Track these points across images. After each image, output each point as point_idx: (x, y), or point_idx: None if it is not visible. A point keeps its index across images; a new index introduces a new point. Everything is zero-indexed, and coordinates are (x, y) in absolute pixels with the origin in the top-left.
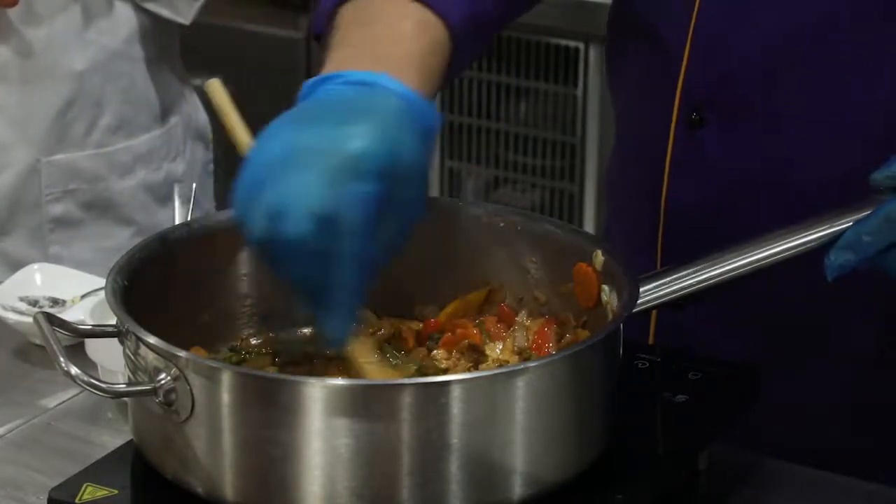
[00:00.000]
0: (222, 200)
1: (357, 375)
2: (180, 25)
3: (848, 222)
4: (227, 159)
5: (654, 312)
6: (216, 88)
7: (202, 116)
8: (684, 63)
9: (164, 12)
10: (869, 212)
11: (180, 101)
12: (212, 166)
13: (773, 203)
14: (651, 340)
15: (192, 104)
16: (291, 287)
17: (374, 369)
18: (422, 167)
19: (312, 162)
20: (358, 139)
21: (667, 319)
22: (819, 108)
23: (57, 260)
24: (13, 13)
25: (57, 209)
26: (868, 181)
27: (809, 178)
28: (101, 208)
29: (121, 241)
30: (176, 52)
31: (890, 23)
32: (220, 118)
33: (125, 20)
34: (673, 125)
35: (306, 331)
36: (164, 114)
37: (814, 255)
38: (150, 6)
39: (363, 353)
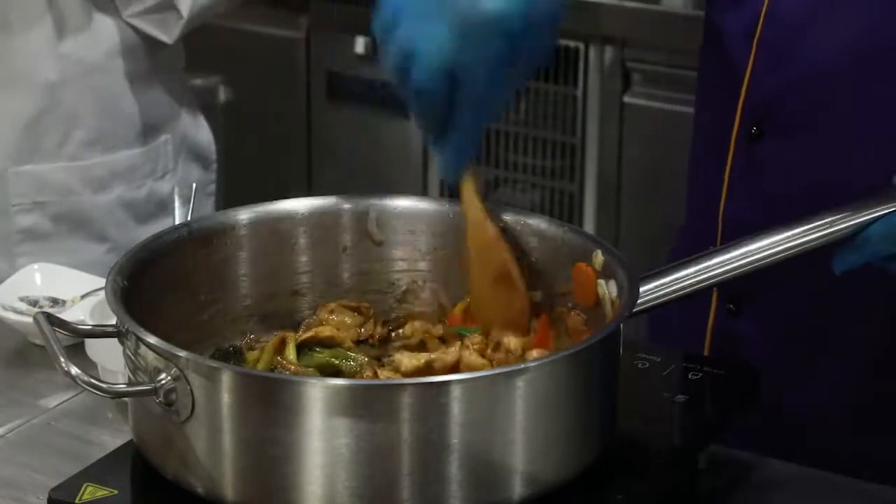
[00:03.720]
0: None
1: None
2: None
3: (848, 222)
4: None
5: (710, 321)
6: None
7: (204, 136)
8: (747, 75)
9: (148, 29)
10: (871, 213)
11: (173, 118)
12: (213, 187)
13: None
14: (706, 351)
15: (190, 122)
16: (418, 119)
17: (477, 210)
18: (554, 18)
19: (451, 12)
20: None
21: (722, 327)
22: (877, 126)
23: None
24: None
25: (26, 220)
26: None
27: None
28: (73, 222)
29: (93, 256)
30: (173, 69)
31: None
32: None
33: (106, 34)
34: (733, 138)
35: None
36: (151, 130)
37: (814, 255)
38: (134, 21)
39: (470, 191)
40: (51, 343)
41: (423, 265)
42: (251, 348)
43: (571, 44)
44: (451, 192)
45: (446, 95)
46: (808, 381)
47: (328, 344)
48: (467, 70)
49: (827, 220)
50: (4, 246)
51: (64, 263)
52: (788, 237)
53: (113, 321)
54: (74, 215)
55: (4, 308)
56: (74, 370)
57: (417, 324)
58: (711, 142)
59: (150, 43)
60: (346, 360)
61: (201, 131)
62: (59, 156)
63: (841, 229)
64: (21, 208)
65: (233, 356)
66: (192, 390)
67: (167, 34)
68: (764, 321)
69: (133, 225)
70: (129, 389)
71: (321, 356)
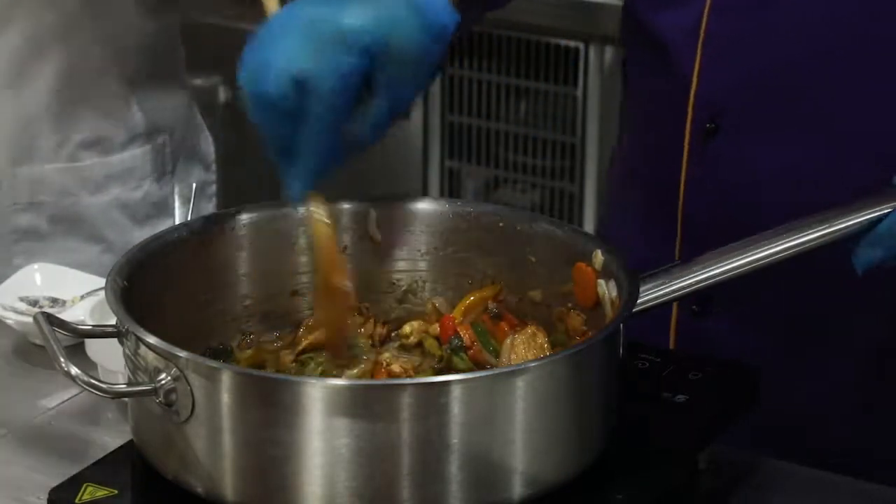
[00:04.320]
0: None
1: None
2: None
3: (848, 222)
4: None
5: (673, 318)
6: None
7: (203, 138)
8: (696, 71)
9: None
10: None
11: (172, 120)
12: (213, 188)
13: (791, 211)
14: (672, 346)
15: (189, 124)
16: (265, 139)
17: (325, 230)
18: (419, 58)
19: (306, 29)
20: (353, 16)
21: (687, 324)
22: (835, 114)
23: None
24: None
25: (22, 220)
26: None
27: (825, 186)
28: (70, 223)
29: (89, 257)
30: (172, 69)
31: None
32: None
33: (106, 35)
34: (687, 135)
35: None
36: (150, 131)
37: (813, 255)
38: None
39: (316, 213)
40: (51, 343)
41: (423, 265)
42: (248, 348)
43: (571, 44)
44: (451, 193)
45: (293, 109)
46: (787, 380)
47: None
48: (315, 79)
49: (827, 220)
50: (2, 245)
51: (60, 264)
52: (788, 237)
53: (113, 321)
54: (71, 216)
55: (4, 308)
56: (74, 370)
57: (416, 324)
58: (660, 141)
59: (150, 44)
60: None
61: (200, 133)
62: (57, 157)
63: (840, 229)
64: (18, 208)
65: (222, 355)
66: (192, 390)
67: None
68: (734, 320)
69: (130, 226)
70: (129, 389)
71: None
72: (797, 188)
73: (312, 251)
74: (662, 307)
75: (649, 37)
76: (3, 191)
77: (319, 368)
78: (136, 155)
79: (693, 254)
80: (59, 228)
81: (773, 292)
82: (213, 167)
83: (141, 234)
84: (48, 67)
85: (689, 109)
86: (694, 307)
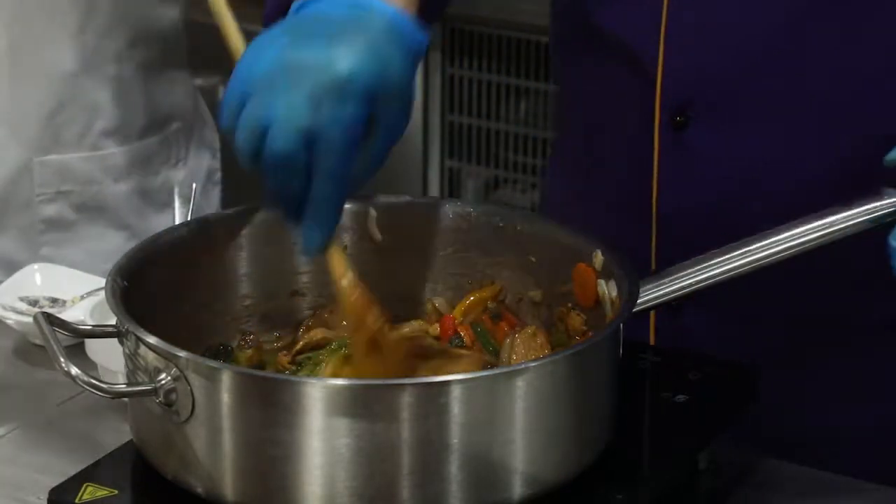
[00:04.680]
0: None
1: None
2: (184, 28)
3: (849, 222)
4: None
5: (652, 314)
6: None
7: (209, 124)
8: (660, 65)
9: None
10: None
11: (182, 107)
12: (219, 175)
13: (767, 201)
14: (652, 342)
15: (197, 111)
16: (273, 197)
17: (346, 283)
18: (408, 88)
19: (300, 80)
20: (346, 60)
21: (666, 321)
22: (799, 102)
23: (48, 261)
24: (4, 11)
25: (49, 210)
26: (859, 174)
27: (801, 174)
28: (94, 211)
29: (114, 244)
30: (180, 57)
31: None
32: (218, 23)
33: (123, 24)
34: (656, 130)
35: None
36: (165, 119)
37: (812, 254)
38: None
39: (337, 266)
40: (51, 343)
41: (422, 265)
42: (248, 348)
43: None
44: (451, 192)
45: (304, 164)
46: (807, 380)
47: (323, 346)
48: (323, 134)
49: (827, 220)
50: (28, 236)
51: (85, 252)
52: (788, 237)
53: (113, 321)
54: (95, 204)
55: (4, 308)
56: (74, 370)
57: (416, 324)
58: (625, 140)
59: (162, 31)
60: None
61: (207, 120)
62: (81, 145)
63: (840, 229)
64: (45, 198)
65: (223, 355)
66: (192, 390)
67: None
68: (709, 316)
69: (150, 212)
70: (129, 389)
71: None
72: (773, 175)
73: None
74: (662, 307)
75: (605, 37)
76: (29, 182)
77: (317, 368)
78: (154, 142)
79: (668, 249)
80: (84, 217)
81: (772, 292)
82: (219, 154)
83: (160, 220)
84: (69, 56)
85: (657, 105)
86: (672, 303)
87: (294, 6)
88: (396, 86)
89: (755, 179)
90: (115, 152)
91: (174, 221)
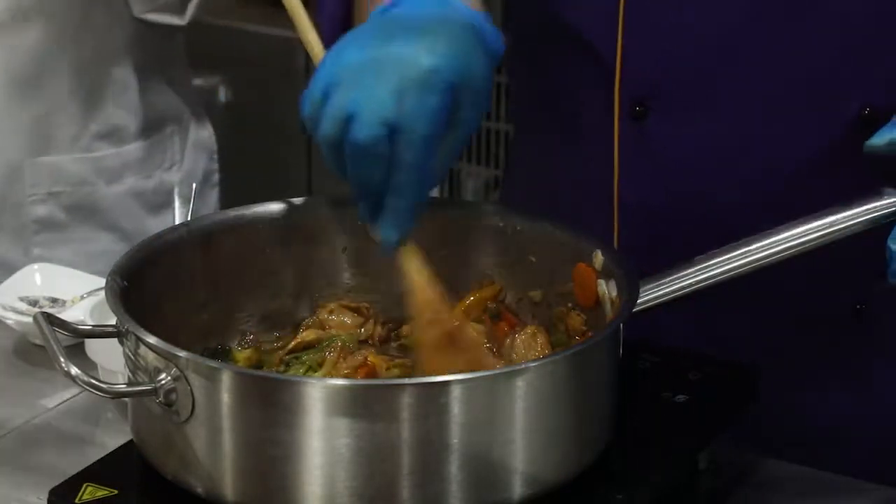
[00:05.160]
0: None
1: (408, 286)
2: (180, 30)
3: (849, 222)
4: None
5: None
6: None
7: (206, 127)
8: (618, 55)
9: (163, 19)
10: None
11: (179, 110)
12: (217, 177)
13: (727, 191)
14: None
15: (194, 113)
16: (353, 188)
17: (422, 280)
18: (488, 86)
19: (386, 73)
20: (431, 54)
21: (666, 321)
22: (757, 91)
23: (40, 262)
24: (1, 13)
25: (41, 211)
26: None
27: (759, 163)
28: (87, 212)
29: (105, 246)
30: (178, 59)
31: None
32: (292, 21)
33: (118, 26)
34: (616, 120)
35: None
36: (160, 122)
37: (810, 254)
38: (149, 17)
39: (413, 261)
40: (51, 343)
41: None
42: (248, 348)
43: None
44: (451, 192)
45: (386, 155)
46: (806, 380)
47: (314, 346)
48: (407, 125)
49: (827, 220)
50: (21, 236)
51: (77, 253)
52: (788, 237)
53: (113, 321)
54: (88, 205)
55: (4, 308)
56: (74, 370)
57: None
58: (591, 124)
59: (158, 33)
60: (330, 342)
61: (203, 123)
62: (74, 147)
63: (840, 229)
64: (37, 199)
65: (222, 355)
66: (192, 390)
67: (179, 16)
68: (710, 316)
69: (143, 215)
70: (129, 389)
71: (308, 358)
72: (732, 165)
73: (408, 296)
74: (662, 307)
75: (563, 27)
76: (21, 183)
77: (303, 368)
78: (148, 144)
79: (631, 238)
80: (77, 218)
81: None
82: (216, 157)
83: (154, 223)
84: (66, 60)
85: (616, 96)
86: (672, 303)
87: (378, 9)
88: (477, 82)
89: (715, 169)
90: (108, 154)
91: (174, 221)
